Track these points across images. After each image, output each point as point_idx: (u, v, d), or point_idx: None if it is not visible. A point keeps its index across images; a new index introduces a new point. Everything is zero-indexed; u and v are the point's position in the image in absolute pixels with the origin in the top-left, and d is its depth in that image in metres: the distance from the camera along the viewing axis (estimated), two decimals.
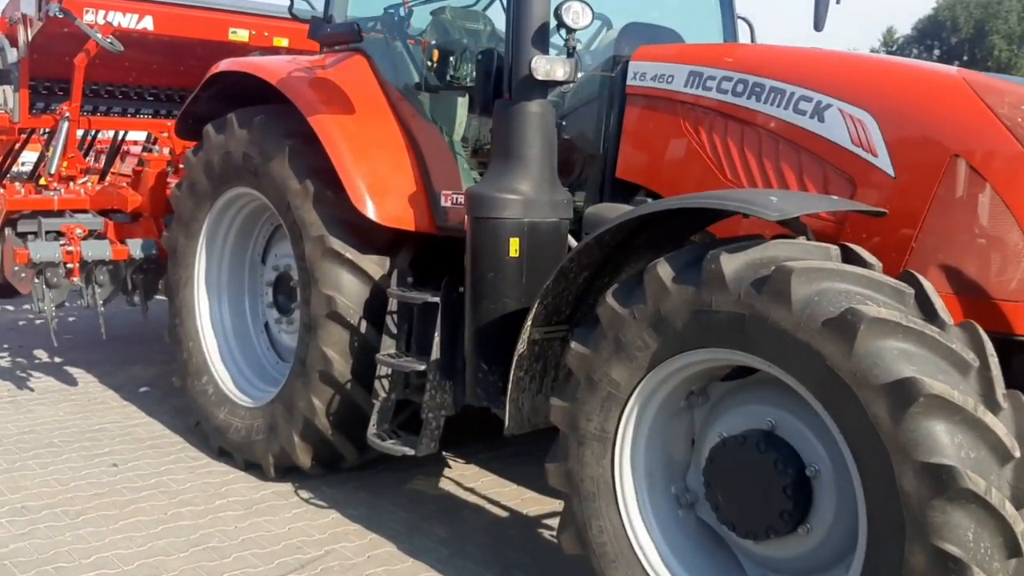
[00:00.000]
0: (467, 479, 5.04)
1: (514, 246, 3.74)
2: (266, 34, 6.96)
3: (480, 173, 4.59)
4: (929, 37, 60.83)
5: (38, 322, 8.84)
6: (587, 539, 3.24)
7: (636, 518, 3.20)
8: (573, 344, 3.20)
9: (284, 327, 5.29)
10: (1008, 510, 2.36)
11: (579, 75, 3.72)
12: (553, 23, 3.71)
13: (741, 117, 3.70)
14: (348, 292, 4.42)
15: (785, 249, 2.80)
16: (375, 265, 4.47)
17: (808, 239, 3.04)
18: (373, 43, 4.82)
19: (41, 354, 7.60)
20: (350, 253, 4.42)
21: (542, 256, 3.79)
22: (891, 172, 3.21)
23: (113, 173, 7.68)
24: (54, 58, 6.63)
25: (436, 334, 4.04)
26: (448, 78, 4.64)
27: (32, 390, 6.56)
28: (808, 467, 2.83)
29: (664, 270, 2.91)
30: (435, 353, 4.04)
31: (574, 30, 3.65)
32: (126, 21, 6.35)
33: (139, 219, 6.45)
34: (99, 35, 6.04)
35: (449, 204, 4.38)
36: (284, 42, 7.03)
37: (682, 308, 2.87)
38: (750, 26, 5.20)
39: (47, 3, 5.98)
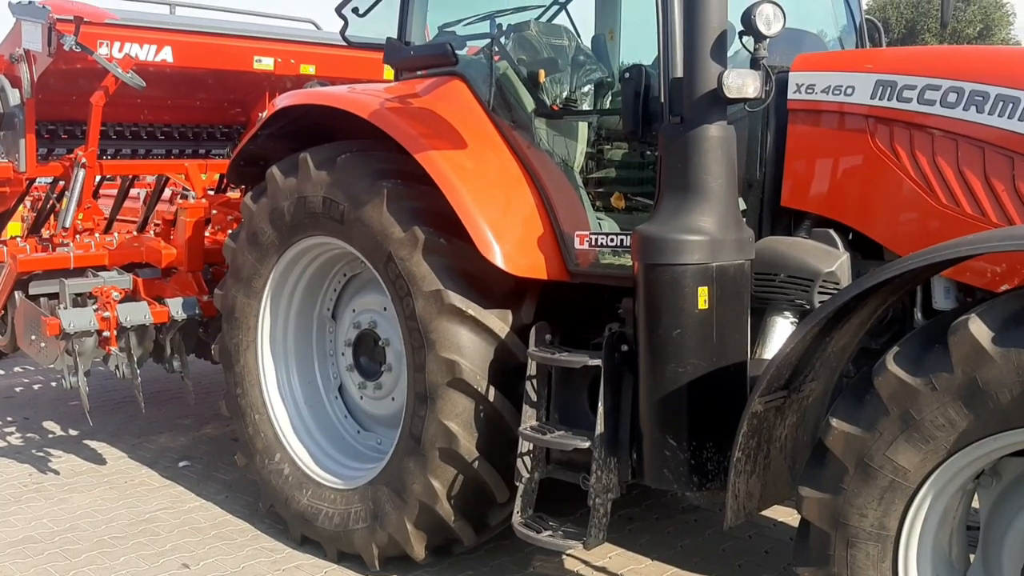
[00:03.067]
0: (594, 556, 4.41)
1: (703, 296, 3.14)
2: (292, 61, 6.34)
3: (603, 209, 4.00)
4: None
5: (36, 387, 8.06)
6: None
7: None
8: (835, 421, 2.59)
9: (368, 393, 4.61)
10: None
11: (770, 91, 3.14)
12: (736, 29, 3.14)
13: (957, 131, 3.16)
14: (472, 355, 3.77)
15: None
16: (499, 321, 3.83)
17: None
18: (470, 65, 4.20)
19: (53, 427, 6.80)
20: (472, 309, 3.78)
21: (730, 306, 3.21)
22: None
23: (120, 220, 6.94)
24: (61, 98, 5.92)
25: (600, 403, 3.41)
26: (564, 102, 4.07)
27: (57, 473, 5.77)
28: None
29: (979, 329, 2.33)
30: (599, 427, 3.41)
31: (766, 37, 3.08)
32: (144, 53, 5.66)
33: (172, 274, 5.72)
34: (119, 70, 5.33)
35: (585, 246, 3.77)
36: (311, 69, 6.41)
37: (1010, 377, 2.28)
38: (878, 29, 4.68)
39: (59, 37, 5.25)
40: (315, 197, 4.21)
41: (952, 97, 3.16)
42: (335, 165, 4.14)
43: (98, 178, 6.89)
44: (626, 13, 5.12)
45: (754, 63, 3.13)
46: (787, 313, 3.49)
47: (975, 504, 2.72)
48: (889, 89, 3.31)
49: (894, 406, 2.47)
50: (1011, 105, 3.02)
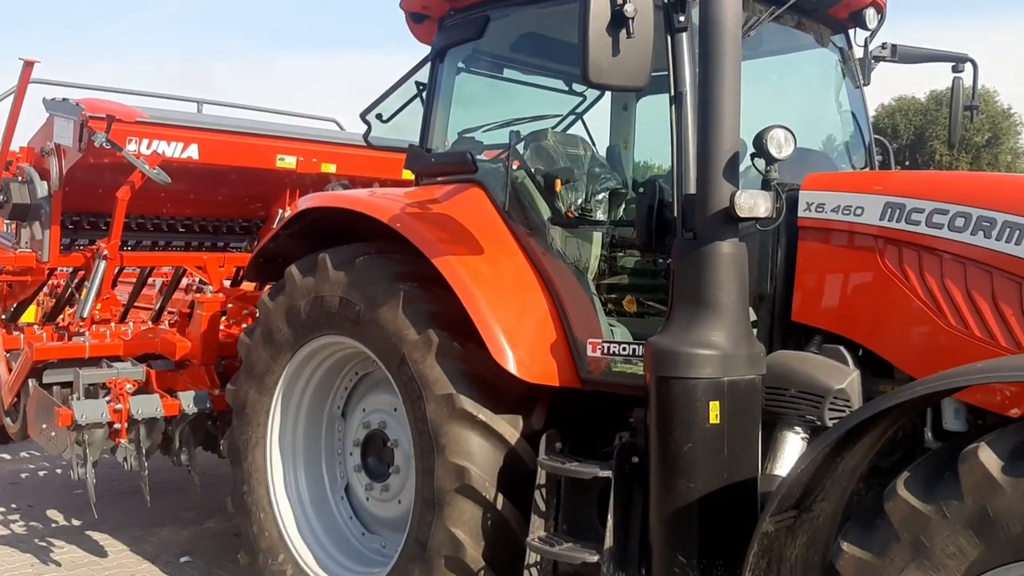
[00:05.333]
0: None
1: (714, 411, 3.15)
2: (314, 160, 6.51)
3: (616, 315, 4.05)
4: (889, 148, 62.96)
5: (42, 473, 8.02)
6: None
7: None
8: (846, 545, 2.58)
9: (375, 495, 4.58)
10: None
11: (781, 211, 3.22)
12: (748, 147, 3.24)
13: (964, 255, 3.21)
14: (481, 461, 3.77)
15: None
16: (510, 427, 3.84)
17: None
18: (488, 173, 4.32)
19: (56, 516, 6.74)
20: (483, 414, 3.79)
21: (741, 421, 3.21)
22: None
23: (136, 307, 7.01)
24: (88, 191, 6.06)
25: (610, 516, 3.39)
26: (579, 210, 4.16)
27: (59, 564, 5.70)
28: None
29: (989, 458, 2.33)
30: (608, 540, 3.38)
31: (777, 160, 3.18)
32: (171, 150, 5.83)
33: (185, 366, 5.75)
34: (146, 166, 5.49)
35: (597, 354, 3.80)
36: (332, 168, 6.58)
37: (1022, 508, 2.28)
38: (886, 148, 4.79)
39: (91, 133, 5.42)
40: (332, 297, 4.28)
41: (960, 222, 3.23)
42: (353, 266, 4.21)
43: (117, 268, 7.01)
44: (640, 124, 5.28)
45: (765, 184, 3.22)
46: (797, 428, 3.49)
47: None
48: (898, 211, 3.38)
49: (905, 532, 2.46)
50: (1018, 232, 3.08)
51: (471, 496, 3.76)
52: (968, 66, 4.66)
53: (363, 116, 4.84)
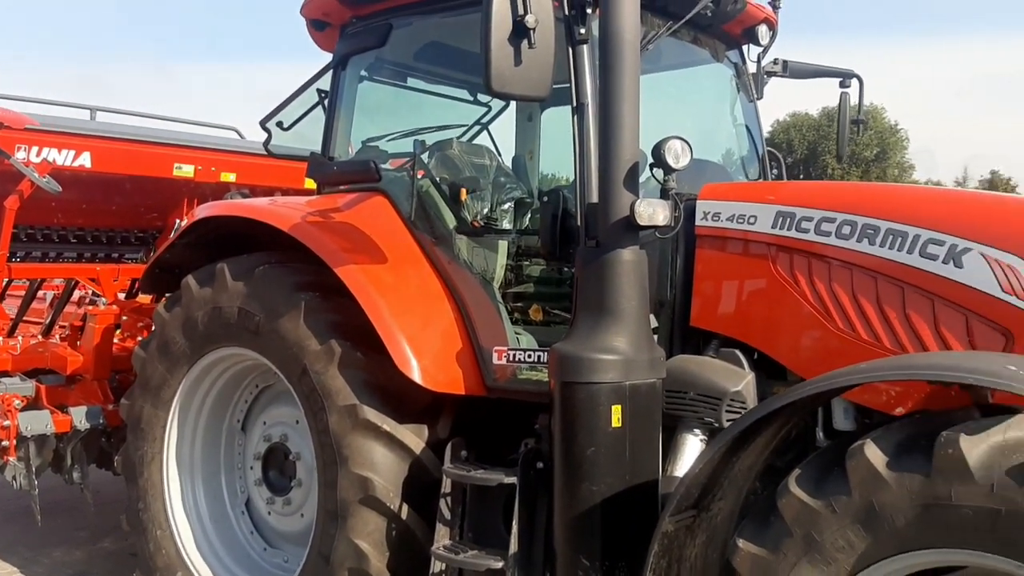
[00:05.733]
0: None
1: (616, 415, 3.20)
2: (213, 169, 6.36)
3: (522, 323, 4.08)
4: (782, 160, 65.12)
5: None
6: None
7: None
8: (742, 543, 2.65)
9: (277, 508, 4.49)
10: None
11: (679, 219, 3.30)
12: (648, 158, 3.31)
13: (851, 261, 3.35)
14: (385, 471, 3.74)
15: None
16: (415, 437, 3.82)
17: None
18: (392, 181, 4.30)
19: None
20: (388, 424, 3.76)
21: (642, 424, 3.27)
22: None
23: (25, 321, 6.71)
24: None
25: (515, 522, 3.40)
26: (484, 219, 4.18)
27: None
28: None
29: (875, 454, 2.44)
30: (513, 546, 3.39)
31: (675, 170, 3.26)
32: (62, 158, 5.61)
33: (76, 381, 5.54)
34: (36, 175, 5.28)
35: (503, 361, 3.82)
36: (231, 177, 6.44)
37: (905, 501, 2.38)
38: (778, 159, 4.97)
39: None
40: (230, 308, 4.19)
41: (846, 229, 3.36)
42: (252, 276, 4.14)
43: (5, 280, 6.70)
44: (545, 135, 5.35)
45: (664, 193, 3.30)
46: (696, 430, 3.57)
47: None
48: (789, 220, 3.50)
49: (797, 528, 2.55)
50: (900, 239, 3.23)
51: (375, 507, 3.72)
52: (854, 82, 4.87)
53: (263, 124, 4.76)
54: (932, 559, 2.44)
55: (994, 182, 57.62)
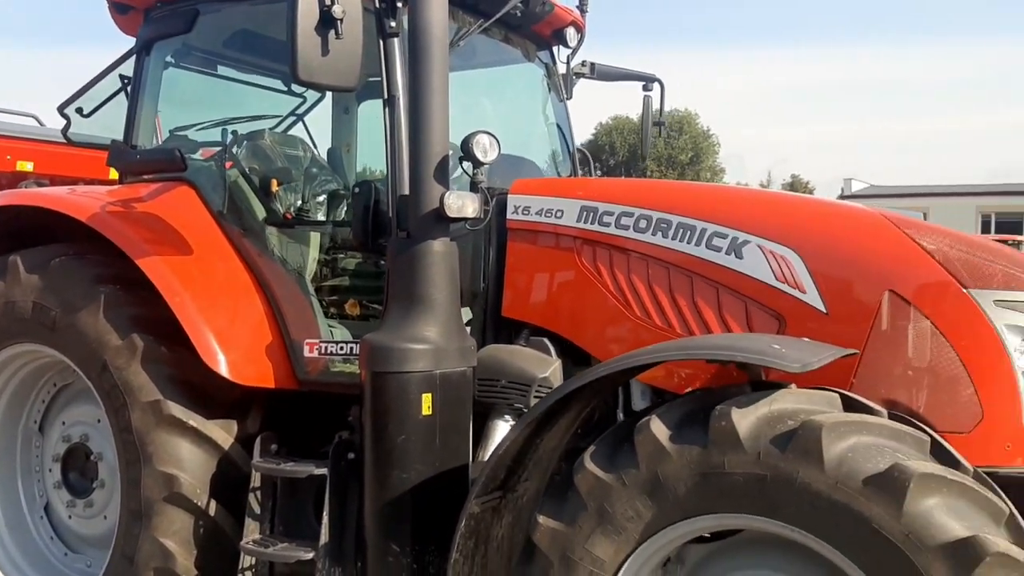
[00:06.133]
0: None
1: (426, 403, 3.27)
2: (8, 157, 6.00)
3: (338, 317, 4.08)
4: (592, 158, 67.20)
5: None
6: None
7: None
8: (542, 519, 2.78)
9: (78, 512, 4.29)
10: None
11: (488, 211, 3.41)
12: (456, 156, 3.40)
13: (646, 253, 3.55)
14: (192, 468, 3.66)
15: (793, 400, 2.62)
16: (223, 432, 3.75)
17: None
18: (199, 171, 4.19)
19: None
20: (194, 420, 3.68)
21: (453, 411, 3.36)
22: (822, 308, 3.18)
23: None
24: None
25: (325, 513, 3.40)
26: (296, 211, 4.15)
27: None
28: None
29: (659, 428, 2.62)
30: (324, 536, 3.39)
31: (483, 164, 3.36)
32: None
33: None
34: None
35: (314, 354, 3.81)
36: (28, 166, 6.09)
37: (685, 471, 2.57)
38: (588, 157, 5.18)
39: None
40: (24, 302, 3.97)
41: (643, 223, 3.57)
42: (48, 269, 3.93)
43: None
44: (363, 128, 5.34)
45: (473, 186, 3.39)
46: (507, 417, 3.69)
47: None
48: (592, 214, 3.67)
49: (591, 501, 2.70)
50: (689, 232, 3.46)
51: (181, 504, 3.63)
52: (656, 86, 5.15)
53: (61, 110, 4.53)
54: (711, 524, 2.65)
55: (795, 185, 61.88)
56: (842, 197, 50.61)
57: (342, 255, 4.31)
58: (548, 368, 3.62)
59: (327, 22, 3.15)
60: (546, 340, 3.74)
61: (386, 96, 3.65)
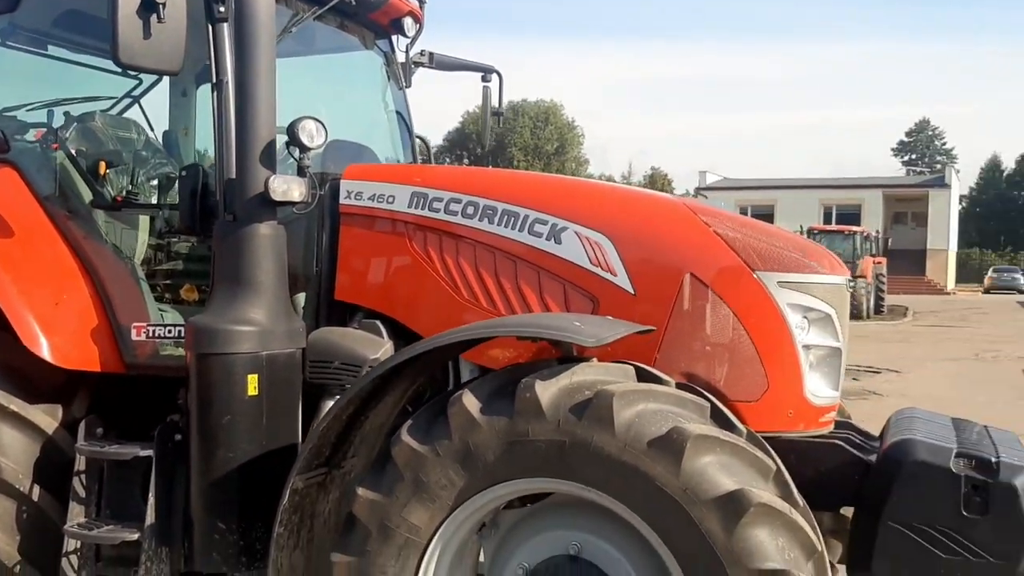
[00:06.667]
0: None
1: (252, 384, 3.34)
2: None
3: (172, 302, 4.08)
4: (458, 147, 67.36)
5: None
6: None
7: None
8: (361, 491, 2.91)
9: None
10: None
11: (316, 196, 3.49)
12: (282, 140, 3.46)
13: (473, 238, 3.71)
14: (14, 453, 3.59)
15: (592, 372, 2.83)
16: (47, 417, 3.70)
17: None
18: (24, 153, 4.08)
19: None
20: (15, 404, 3.61)
21: (281, 392, 3.44)
22: (631, 290, 3.43)
23: None
24: None
25: (151, 494, 3.42)
26: (126, 194, 4.11)
27: None
28: None
29: (470, 402, 2.79)
30: (150, 517, 3.41)
31: (309, 149, 3.44)
32: None
33: None
34: None
35: (142, 338, 3.80)
36: None
37: (494, 440, 2.75)
38: (427, 145, 5.31)
39: None
40: None
41: (470, 210, 3.72)
42: None
43: None
44: (202, 111, 5.29)
45: (300, 171, 3.47)
46: (339, 398, 3.79)
47: None
48: (422, 200, 3.80)
49: (408, 472, 2.84)
50: (513, 218, 3.64)
51: (3, 490, 3.57)
52: (495, 76, 5.32)
53: None
54: (519, 488, 2.85)
55: (655, 177, 63.89)
56: (698, 189, 52.75)
57: (176, 239, 4.29)
58: (379, 350, 3.72)
59: (149, 5, 3.16)
60: (378, 323, 3.84)
61: (214, 80, 3.67)
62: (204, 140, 5.38)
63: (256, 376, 3.34)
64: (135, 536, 3.41)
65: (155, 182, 4.42)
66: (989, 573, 2.90)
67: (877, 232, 33.99)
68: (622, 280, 3.45)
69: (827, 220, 43.94)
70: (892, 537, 2.90)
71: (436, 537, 2.88)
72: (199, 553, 3.35)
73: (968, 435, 3.27)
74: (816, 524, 2.76)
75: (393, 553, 2.87)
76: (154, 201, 4.30)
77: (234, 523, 3.30)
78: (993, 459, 2.94)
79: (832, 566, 3.49)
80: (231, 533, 3.30)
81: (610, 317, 3.26)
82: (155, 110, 5.24)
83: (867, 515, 3.00)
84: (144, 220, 4.12)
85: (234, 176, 3.46)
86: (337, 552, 2.95)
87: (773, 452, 2.83)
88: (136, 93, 5.11)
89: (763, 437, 2.96)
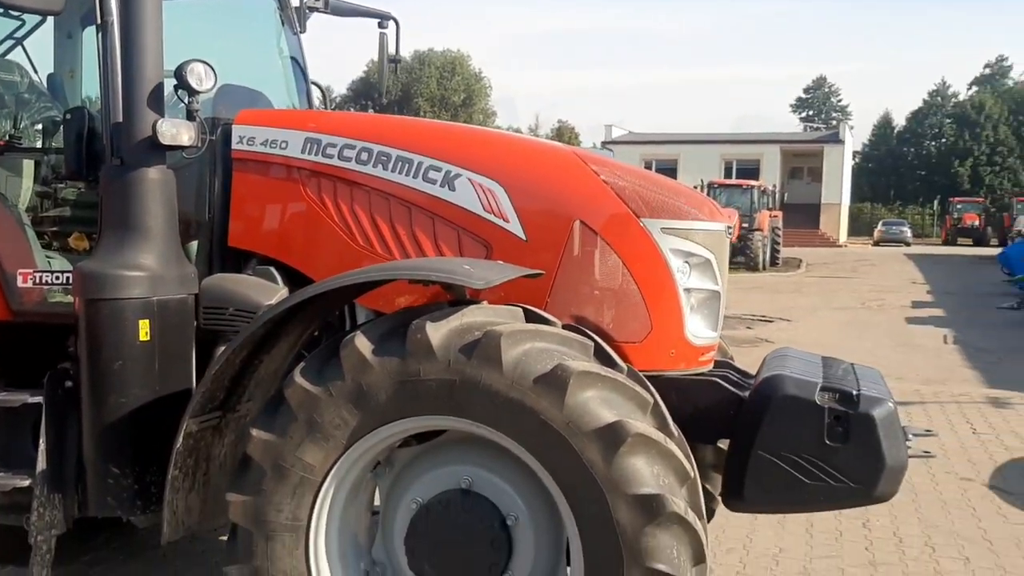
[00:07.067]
0: None
1: (144, 329, 3.33)
2: None
3: (61, 249, 3.99)
4: (363, 97, 66.22)
5: None
6: None
7: None
8: (255, 432, 2.95)
9: None
10: (698, 525, 2.75)
11: (205, 140, 3.46)
12: (171, 84, 3.41)
13: (367, 184, 3.74)
14: None
15: (481, 314, 2.93)
16: None
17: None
18: None
19: None
20: None
21: (173, 338, 3.44)
22: (523, 236, 3.52)
23: None
24: None
25: (42, 440, 3.39)
26: (8, 139, 3.99)
27: None
28: (508, 517, 2.98)
29: (363, 343, 2.85)
30: (41, 463, 3.39)
31: (198, 92, 3.40)
32: None
33: None
34: None
35: (28, 284, 3.73)
36: None
37: (386, 380, 2.83)
38: (323, 91, 5.27)
39: None
40: None
41: (364, 156, 3.74)
42: None
43: None
44: (89, 54, 5.13)
45: (189, 115, 3.43)
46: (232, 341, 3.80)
47: None
48: (316, 146, 3.79)
49: (301, 412, 2.90)
50: (407, 165, 3.68)
51: None
52: (391, 24, 5.30)
53: None
54: (411, 426, 2.94)
55: (561, 131, 64.14)
56: (604, 143, 53.20)
57: (62, 185, 4.19)
58: (274, 296, 3.73)
59: None
60: (272, 269, 3.84)
61: (99, 21, 3.57)
62: (91, 83, 5.23)
63: (147, 321, 3.33)
64: (27, 483, 3.39)
65: (40, 126, 4.30)
66: (848, 496, 3.15)
67: (774, 186, 34.99)
68: (514, 227, 3.54)
69: (728, 174, 44.98)
70: (762, 465, 3.11)
71: (330, 475, 2.95)
72: (93, 498, 3.35)
73: (834, 371, 3.50)
74: (690, 453, 2.94)
75: (288, 492, 2.94)
76: (39, 146, 4.18)
77: (128, 467, 3.30)
78: (855, 392, 3.17)
79: (713, 497, 3.72)
80: (125, 477, 3.30)
81: (500, 262, 3.35)
82: (40, 52, 5.07)
83: (740, 446, 3.20)
84: (28, 165, 4.01)
85: (121, 120, 3.41)
86: (232, 492, 3.00)
87: (652, 387, 2.99)
88: (19, 35, 4.93)
89: (646, 376, 3.12)
